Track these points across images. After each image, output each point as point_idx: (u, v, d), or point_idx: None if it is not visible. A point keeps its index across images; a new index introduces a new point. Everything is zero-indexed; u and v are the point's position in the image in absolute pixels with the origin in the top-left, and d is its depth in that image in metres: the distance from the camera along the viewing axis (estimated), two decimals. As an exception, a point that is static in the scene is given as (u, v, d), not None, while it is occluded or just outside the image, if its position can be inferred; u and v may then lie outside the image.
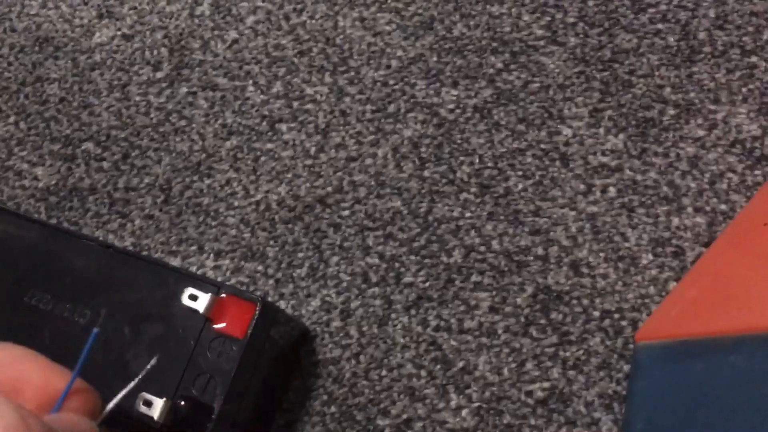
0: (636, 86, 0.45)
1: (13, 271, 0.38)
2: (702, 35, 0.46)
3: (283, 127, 0.47)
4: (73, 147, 0.49)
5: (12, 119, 0.50)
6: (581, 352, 0.40)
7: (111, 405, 0.29)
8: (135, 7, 0.52)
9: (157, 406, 0.34)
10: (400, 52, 0.48)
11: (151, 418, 0.34)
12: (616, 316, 0.41)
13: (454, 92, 0.47)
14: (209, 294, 0.35)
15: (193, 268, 0.45)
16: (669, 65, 0.45)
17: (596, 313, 0.41)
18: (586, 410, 0.39)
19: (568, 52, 0.46)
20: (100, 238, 0.46)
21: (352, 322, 0.43)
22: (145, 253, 0.45)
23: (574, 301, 0.41)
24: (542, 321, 0.41)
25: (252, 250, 0.45)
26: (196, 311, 0.35)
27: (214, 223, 0.46)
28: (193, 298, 0.36)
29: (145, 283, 0.36)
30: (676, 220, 0.42)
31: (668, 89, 0.45)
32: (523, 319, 0.41)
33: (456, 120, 0.46)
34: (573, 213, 0.43)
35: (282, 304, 0.43)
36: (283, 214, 0.45)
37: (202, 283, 0.36)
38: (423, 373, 0.41)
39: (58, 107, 0.50)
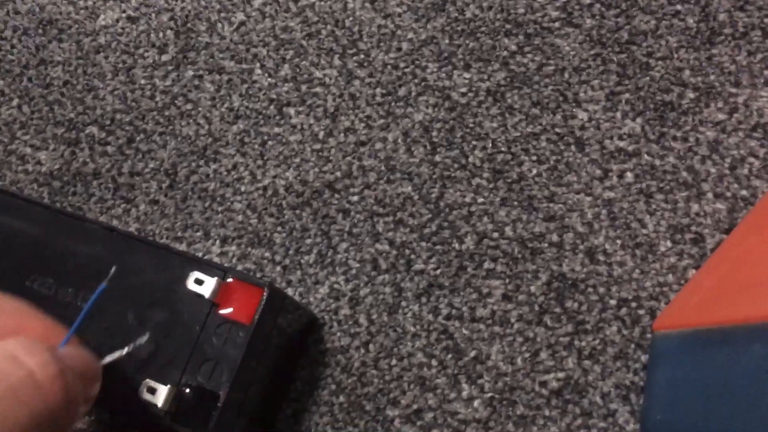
0: (654, 69, 0.44)
1: (15, 255, 0.37)
2: (722, 16, 0.44)
3: (291, 111, 0.46)
4: (77, 131, 0.48)
5: (15, 103, 0.49)
6: (597, 341, 0.39)
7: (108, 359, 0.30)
8: (140, -11, 0.51)
9: (161, 393, 0.33)
10: (411, 35, 0.47)
11: (155, 405, 0.33)
12: (634, 304, 0.40)
13: (467, 75, 0.45)
14: (215, 278, 0.34)
15: (199, 255, 0.44)
16: (688, 47, 0.44)
17: (613, 302, 0.40)
18: (602, 401, 0.38)
19: (584, 33, 0.45)
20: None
21: (361, 310, 0.41)
22: (150, 238, 0.44)
23: (590, 290, 0.40)
24: (557, 309, 0.40)
25: (259, 236, 0.44)
26: (201, 296, 0.34)
27: (220, 209, 0.45)
28: (199, 282, 0.35)
29: (149, 267, 0.35)
30: (695, 206, 0.41)
31: (687, 72, 0.43)
32: (537, 308, 0.40)
33: (468, 104, 0.45)
34: (589, 199, 0.42)
35: (290, 292, 0.42)
36: (291, 200, 0.44)
37: (208, 267, 0.35)
38: (434, 362, 0.40)
39: (61, 90, 0.49)
